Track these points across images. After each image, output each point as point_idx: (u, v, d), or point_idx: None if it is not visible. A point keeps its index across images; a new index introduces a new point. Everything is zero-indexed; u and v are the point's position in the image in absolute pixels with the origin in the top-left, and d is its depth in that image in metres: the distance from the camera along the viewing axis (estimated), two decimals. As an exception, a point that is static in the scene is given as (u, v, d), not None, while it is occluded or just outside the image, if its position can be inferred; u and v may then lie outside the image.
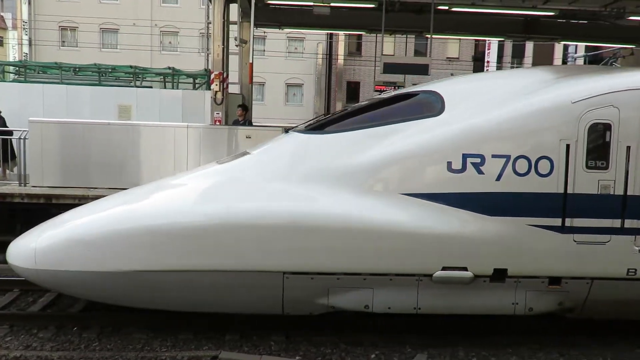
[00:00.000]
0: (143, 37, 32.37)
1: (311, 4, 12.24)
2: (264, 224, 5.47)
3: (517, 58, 34.07)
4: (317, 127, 6.18)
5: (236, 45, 13.05)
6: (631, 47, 20.37)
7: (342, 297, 5.76)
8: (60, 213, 6.55)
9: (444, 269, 5.58)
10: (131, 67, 17.63)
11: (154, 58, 32.41)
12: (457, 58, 33.59)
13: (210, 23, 12.42)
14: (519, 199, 5.50)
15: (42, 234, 5.80)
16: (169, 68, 18.10)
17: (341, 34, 30.88)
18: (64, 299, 7.18)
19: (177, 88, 17.13)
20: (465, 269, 5.58)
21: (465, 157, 5.50)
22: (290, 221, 5.48)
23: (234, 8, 12.73)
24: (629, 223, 5.56)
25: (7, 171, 11.36)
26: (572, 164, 5.51)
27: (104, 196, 9.21)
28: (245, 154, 6.28)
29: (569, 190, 5.51)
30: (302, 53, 33.65)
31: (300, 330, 6.32)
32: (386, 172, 5.66)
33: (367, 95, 32.75)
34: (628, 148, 5.55)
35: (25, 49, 33.49)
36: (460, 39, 30.73)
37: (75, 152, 9.80)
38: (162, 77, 17.63)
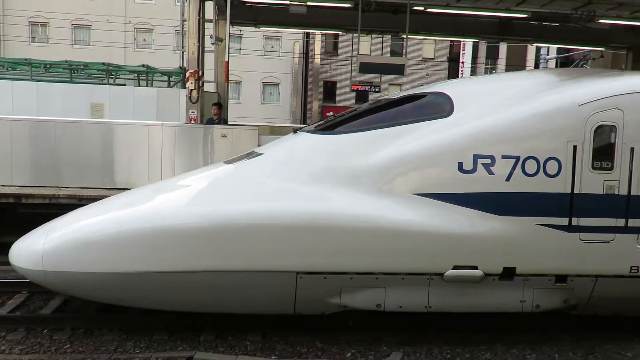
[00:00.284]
0: (116, 33, 31.85)
1: (287, 2, 12.22)
2: (278, 224, 5.47)
3: (491, 59, 34.58)
4: (327, 127, 6.21)
5: (212, 43, 12.95)
6: (601, 50, 20.91)
7: (354, 296, 5.78)
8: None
9: (455, 267, 5.65)
10: (104, 64, 17.35)
11: (128, 55, 31.91)
12: (433, 58, 33.94)
13: (185, 20, 12.31)
14: (528, 199, 5.61)
15: (49, 234, 5.62)
16: (143, 66, 17.85)
17: (318, 34, 30.88)
18: (34, 301, 7.02)
19: (152, 86, 16.92)
20: (475, 267, 5.67)
21: (476, 157, 5.60)
22: (305, 221, 5.48)
23: (209, 6, 12.63)
24: (632, 222, 5.71)
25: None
26: (579, 164, 5.64)
27: (76, 196, 9.14)
28: (255, 154, 6.24)
29: (576, 191, 5.65)
30: (279, 52, 33.57)
31: (277, 330, 6.30)
32: (398, 173, 5.71)
33: (343, 94, 32.86)
34: (632, 149, 5.72)
35: (-6, 45, 32.67)
36: (435, 40, 31.03)
37: (45, 151, 9.59)
38: (136, 74, 17.38)
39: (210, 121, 10.90)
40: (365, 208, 5.54)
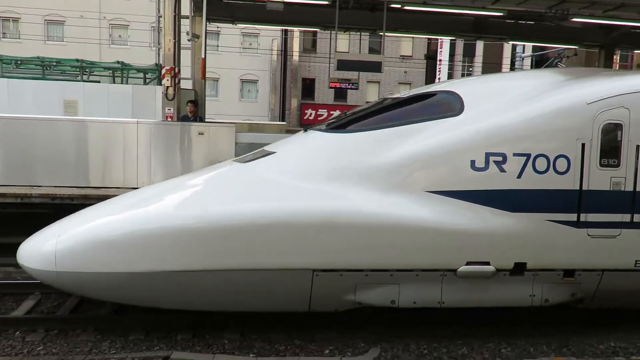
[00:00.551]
0: (91, 30, 31.27)
1: (264, -1, 12.16)
2: (295, 223, 5.50)
3: (468, 57, 34.91)
4: (339, 126, 6.25)
5: (188, 40, 12.81)
6: (574, 48, 21.27)
7: (369, 293, 5.85)
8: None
9: (467, 263, 5.76)
10: (77, 60, 17.02)
11: (103, 52, 31.38)
12: (411, 56, 34.11)
13: (161, 17, 12.15)
14: (538, 196, 5.74)
15: (61, 234, 5.55)
16: (118, 62, 17.57)
17: (296, 31, 30.79)
18: (5, 302, 6.87)
19: (127, 83, 16.66)
20: (487, 263, 5.78)
21: (488, 155, 5.70)
22: (321, 219, 5.53)
23: (185, 2, 12.47)
24: (637, 217, 5.90)
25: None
26: (587, 162, 5.80)
27: (49, 195, 8.95)
28: (267, 153, 6.25)
29: (584, 187, 5.80)
30: (257, 49, 33.39)
31: (255, 328, 6.28)
32: (411, 170, 5.77)
33: (322, 92, 32.83)
34: (637, 147, 5.90)
35: (-37, 41, 31.80)
36: (413, 38, 31.20)
37: (17, 149, 9.37)
38: (110, 71, 17.09)
39: (186, 119, 10.80)
40: (380, 206, 5.60)
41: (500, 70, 34.26)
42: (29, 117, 10.07)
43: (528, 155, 5.72)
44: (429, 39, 31.40)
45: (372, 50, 28.51)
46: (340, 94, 32.66)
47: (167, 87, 10.70)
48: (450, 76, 34.29)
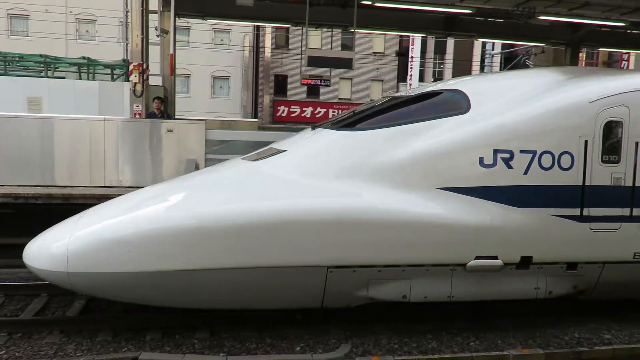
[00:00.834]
0: (57, 24, 30.49)
1: (235, -6, 12.04)
2: (310, 220, 5.54)
3: (440, 54, 35.29)
4: (350, 124, 6.33)
5: (157, 36, 12.59)
6: (542, 45, 21.68)
7: (381, 288, 5.93)
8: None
9: (476, 258, 5.89)
10: (41, 56, 16.57)
11: (70, 47, 30.62)
12: (383, 53, 34.30)
13: (129, 11, 11.92)
14: (544, 191, 5.92)
15: (73, 234, 5.48)
16: (84, 58, 17.16)
17: (268, 27, 30.61)
18: (-34, 306, 6.66)
19: (94, 79, 16.30)
20: (495, 257, 5.93)
21: (495, 152, 5.85)
22: (336, 217, 5.58)
23: (154, -4, 12.28)
24: (636, 211, 6.14)
25: None
26: (590, 158, 6.02)
27: (12, 194, 8.70)
28: (277, 151, 6.27)
29: (587, 183, 6.02)
30: (229, 45, 33.03)
31: (225, 327, 6.23)
32: (422, 167, 5.83)
33: (295, 88, 32.76)
34: (637, 143, 6.14)
35: None
36: (385, 34, 31.35)
37: (-22, 147, 9.11)
38: (76, 67, 16.69)
39: (153, 115, 10.62)
40: (392, 202, 5.68)
41: (470, 67, 34.76)
42: (-10, 114, 9.78)
43: (534, 152, 5.90)
44: (400, 36, 31.58)
45: (344, 47, 28.56)
46: (313, 90, 32.65)
47: (135, 83, 10.53)
48: (422, 73, 34.59)
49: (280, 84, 33.56)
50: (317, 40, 29.16)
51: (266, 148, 6.63)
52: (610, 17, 12.71)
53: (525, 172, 5.88)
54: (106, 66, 17.00)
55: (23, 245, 5.85)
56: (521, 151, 5.88)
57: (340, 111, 33.50)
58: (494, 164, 5.84)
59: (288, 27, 26.45)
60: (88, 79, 16.22)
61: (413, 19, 14.81)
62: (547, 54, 25.13)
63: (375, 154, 5.87)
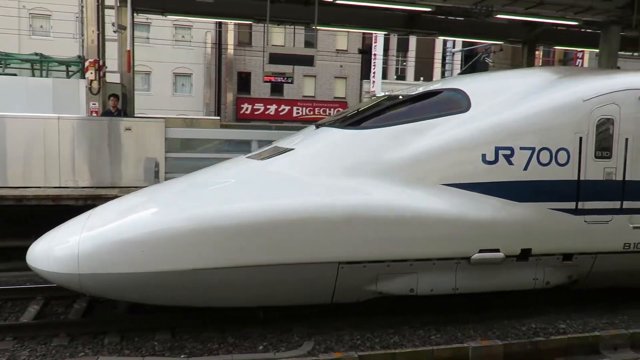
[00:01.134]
0: (9, 19, 29.37)
1: (194, -10, 11.86)
2: (322, 217, 5.64)
3: (402, 51, 35.66)
4: (354, 122, 6.48)
5: (114, 32, 12.28)
6: (500, 43, 22.19)
7: (389, 282, 6.07)
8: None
9: (480, 251, 6.09)
10: (-8, 52, 15.96)
11: (23, 43, 29.55)
12: (346, 50, 34.41)
13: (84, 6, 11.57)
14: (542, 186, 6.18)
15: (83, 235, 5.42)
16: (37, 54, 16.57)
17: (230, 23, 30.27)
18: None
19: (48, 76, 15.75)
20: (498, 250, 6.14)
21: (497, 149, 6.07)
22: (347, 213, 5.69)
23: (110, -9, 11.96)
24: (626, 204, 6.48)
25: None
26: (584, 154, 6.32)
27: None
28: (283, 150, 6.32)
29: (582, 177, 6.31)
30: (190, 42, 32.52)
31: (186, 328, 6.14)
32: (427, 165, 6.00)
33: (258, 86, 32.53)
34: (626, 140, 6.48)
35: None
36: (348, 32, 31.46)
37: None
38: (29, 64, 16.11)
39: (109, 114, 10.34)
40: (400, 199, 5.82)
41: (432, 65, 35.28)
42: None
43: (533, 149, 6.15)
44: (363, 33, 31.77)
45: (307, 44, 28.54)
46: (277, 88, 32.50)
47: (91, 80, 10.24)
48: (385, 71, 34.89)
49: (244, 82, 33.27)
50: (281, 37, 29.07)
51: (270, 147, 6.72)
52: (565, 16, 13.07)
53: (525, 168, 6.14)
54: (61, 63, 16.48)
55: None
56: (521, 148, 6.13)
57: (304, 109, 33.52)
58: (496, 160, 6.07)
59: (250, 24, 26.20)
60: (42, 76, 15.66)
61: (375, 17, 14.89)
62: (506, 51, 25.79)
63: (382, 151, 6.01)
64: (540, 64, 33.62)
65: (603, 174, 6.42)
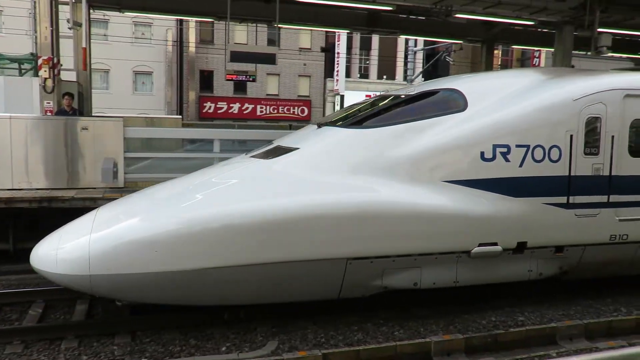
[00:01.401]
0: (-42, 15, 28.16)
1: (153, -14, 11.61)
2: (332, 215, 5.78)
3: (365, 50, 35.88)
4: (356, 122, 6.62)
5: (69, 28, 11.89)
6: (460, 43, 22.57)
7: (394, 277, 6.24)
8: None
9: (479, 245, 6.33)
10: (-63, 49, 15.24)
11: (-27, 40, 28.38)
12: (309, 49, 34.38)
13: (36, 2, 11.19)
14: (536, 182, 6.47)
15: (93, 236, 5.41)
16: (-14, 51, 15.97)
17: (191, 21, 29.81)
18: None
19: (-1, 74, 15.18)
20: (496, 244, 6.38)
21: (495, 147, 6.32)
22: (355, 211, 5.85)
23: (65, -14, 11.58)
24: (612, 198, 6.83)
25: None
26: (575, 151, 6.63)
27: None
28: (288, 149, 6.39)
29: (573, 173, 6.63)
30: (151, 39, 31.86)
31: (147, 331, 6.02)
32: (429, 162, 6.20)
33: (221, 84, 32.17)
34: (612, 137, 6.81)
35: None
36: (310, 30, 31.44)
37: None
38: (-21, 61, 15.51)
39: (63, 113, 10.02)
40: (405, 196, 6.00)
41: (395, 64, 35.66)
42: None
43: (528, 146, 6.43)
44: (326, 31, 31.79)
45: (270, 42, 28.43)
46: (240, 86, 32.22)
47: (45, 78, 9.90)
48: (348, 69, 35.04)
49: (206, 80, 32.83)
50: (244, 35, 28.81)
51: (273, 147, 6.77)
52: (521, 16, 13.38)
53: (521, 165, 6.40)
54: (13, 60, 15.88)
55: None
56: (517, 145, 6.39)
57: (268, 107, 33.35)
58: (494, 157, 6.31)
59: (213, 22, 25.88)
60: (-9, 74, 15.09)
61: (336, 15, 14.92)
62: (466, 50, 26.23)
63: (385, 150, 6.17)
64: (499, 63, 34.51)
65: (591, 170, 6.73)
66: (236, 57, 12.09)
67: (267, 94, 34.05)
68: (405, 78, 32.60)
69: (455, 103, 6.58)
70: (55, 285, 6.19)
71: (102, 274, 5.35)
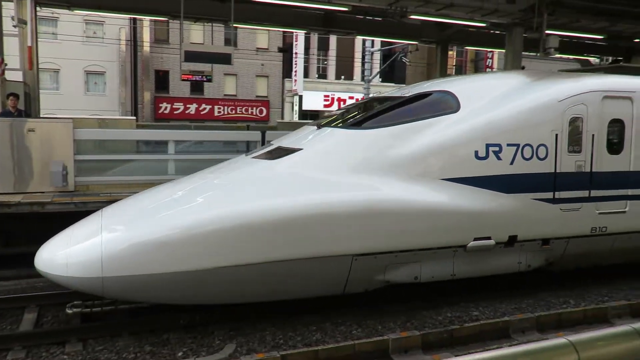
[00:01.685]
0: None
1: (103, -16, 11.28)
2: (340, 213, 5.95)
3: (323, 50, 35.97)
4: (356, 123, 6.84)
5: (14, 26, 11.43)
6: (415, 43, 22.95)
7: (396, 272, 6.47)
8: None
9: (475, 239, 6.62)
10: None
11: None
12: (267, 49, 34.19)
13: (-22, -2, 10.70)
14: (526, 179, 6.84)
15: (103, 237, 5.39)
16: None
17: (145, 19, 29.16)
18: None
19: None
20: (489, 238, 6.69)
21: (488, 146, 6.64)
22: (361, 208, 6.03)
23: (9, -17, 11.13)
24: (593, 193, 7.29)
25: None
26: (559, 149, 7.03)
27: None
28: (292, 150, 6.51)
29: (558, 170, 7.03)
30: (103, 38, 30.97)
31: (99, 338, 5.84)
32: (428, 161, 6.45)
33: (177, 84, 31.58)
34: (592, 136, 7.25)
35: None
36: (269, 30, 31.28)
37: None
38: None
39: (8, 114, 9.60)
40: (407, 193, 6.23)
41: (353, 64, 35.90)
42: None
43: (518, 145, 6.79)
44: (283, 31, 31.70)
45: (227, 42, 28.06)
46: (197, 86, 31.75)
47: (-11, 78, 9.45)
48: (306, 69, 35.05)
49: (162, 80, 32.18)
50: (200, 34, 28.39)
51: (274, 147, 6.87)
52: (473, 17, 13.72)
53: (512, 163, 6.75)
54: (-46, 59, 15.10)
55: None
56: (508, 144, 6.73)
57: (226, 107, 32.98)
58: (487, 156, 6.62)
59: (168, 21, 25.40)
60: None
61: (293, 15, 14.90)
62: (422, 51, 26.71)
63: (387, 150, 6.39)
64: (454, 64, 35.27)
65: (575, 167, 7.16)
66: (191, 56, 11.88)
67: (225, 95, 33.67)
68: (362, 78, 32.81)
69: (448, 104, 6.86)
70: None
71: (115, 275, 5.32)
